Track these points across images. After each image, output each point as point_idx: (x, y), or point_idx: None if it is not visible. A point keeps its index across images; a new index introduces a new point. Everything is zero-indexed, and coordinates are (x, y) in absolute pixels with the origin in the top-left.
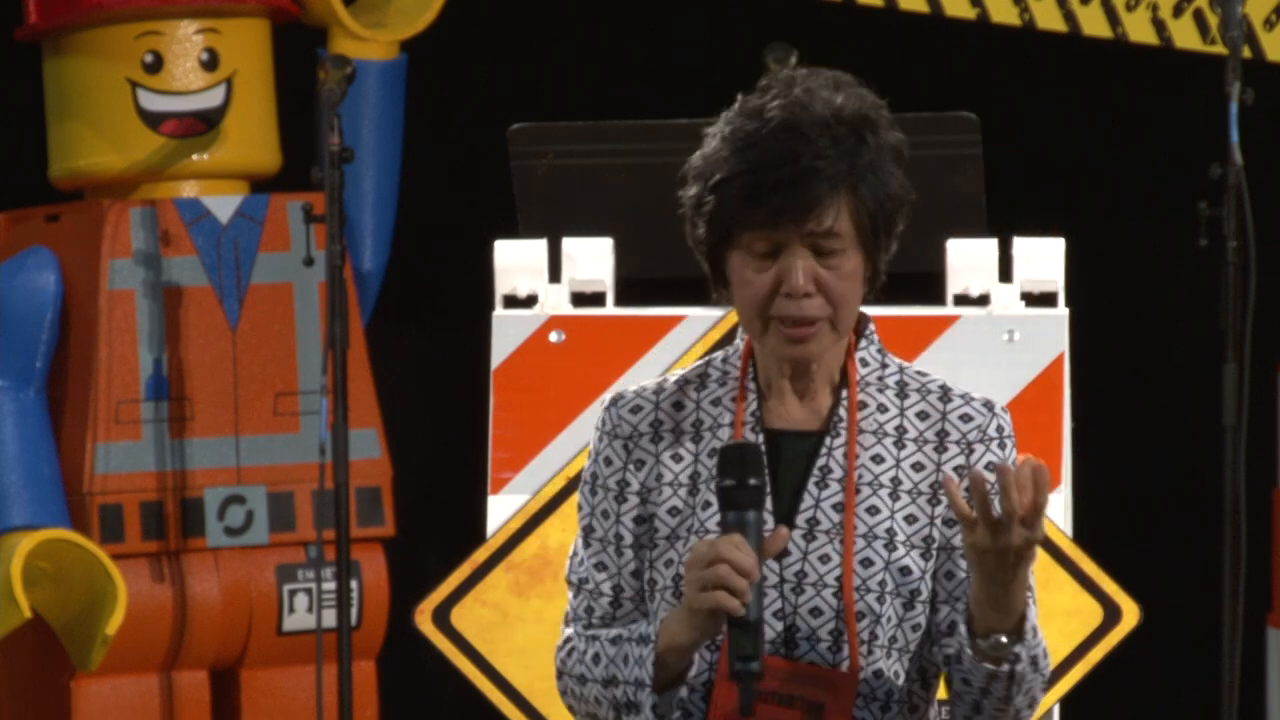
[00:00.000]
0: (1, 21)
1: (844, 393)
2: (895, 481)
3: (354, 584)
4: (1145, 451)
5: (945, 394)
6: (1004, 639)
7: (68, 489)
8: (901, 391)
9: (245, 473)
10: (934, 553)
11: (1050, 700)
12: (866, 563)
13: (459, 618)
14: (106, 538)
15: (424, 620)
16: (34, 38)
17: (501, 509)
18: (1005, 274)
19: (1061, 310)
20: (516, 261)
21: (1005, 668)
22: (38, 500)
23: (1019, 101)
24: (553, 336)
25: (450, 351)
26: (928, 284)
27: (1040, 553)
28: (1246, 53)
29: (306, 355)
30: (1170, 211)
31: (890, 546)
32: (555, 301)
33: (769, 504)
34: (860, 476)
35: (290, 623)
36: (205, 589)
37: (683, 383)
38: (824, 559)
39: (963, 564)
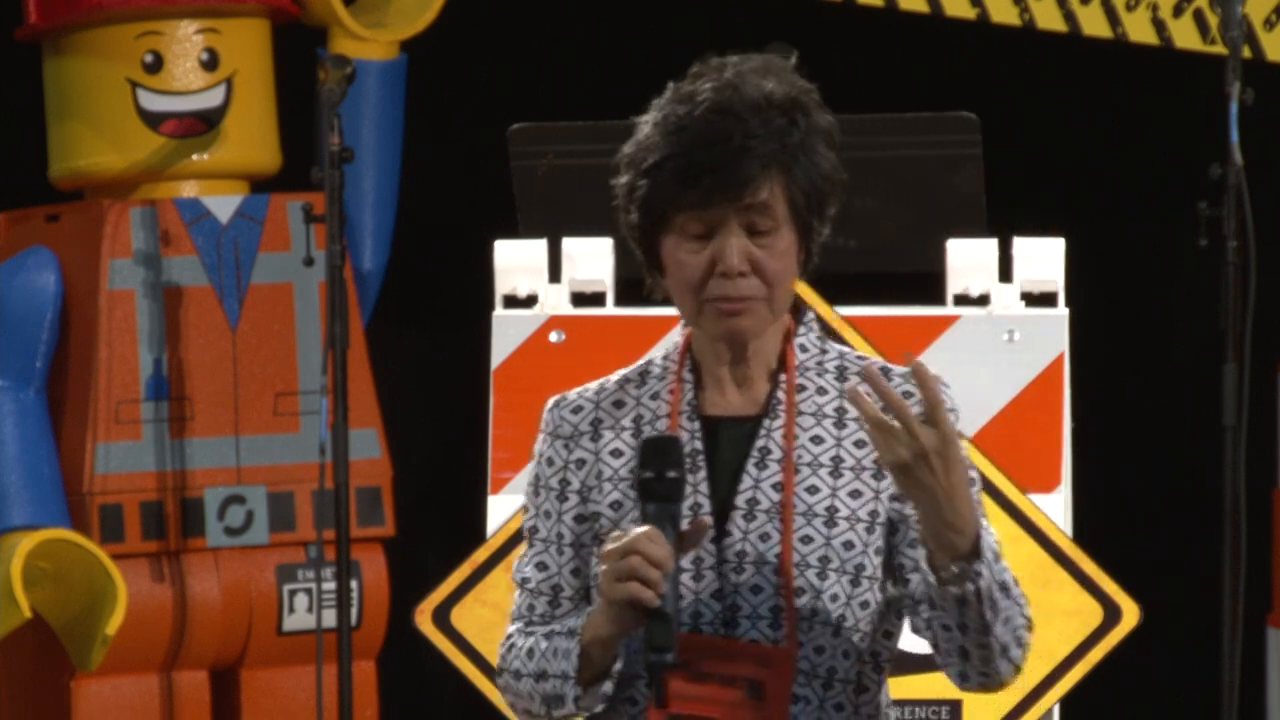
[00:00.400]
0: (1, 21)
1: (782, 377)
2: (836, 460)
3: (354, 584)
4: (1145, 451)
5: (885, 373)
6: (964, 562)
7: (68, 489)
8: (841, 375)
9: (245, 473)
10: (879, 527)
11: (1050, 700)
12: (806, 539)
13: (459, 618)
14: (106, 538)
15: (424, 620)
16: (34, 38)
17: (501, 509)
18: (1005, 274)
19: (1061, 310)
20: (516, 261)
21: (970, 587)
22: (38, 500)
23: (1019, 101)
24: (553, 336)
25: (450, 351)
26: (928, 284)
27: (1040, 552)
28: (1246, 53)
29: (306, 355)
30: (1170, 211)
31: (830, 523)
32: (555, 301)
33: (705, 488)
34: (799, 457)
35: (290, 623)
36: (205, 589)
37: (623, 381)
38: (764, 537)
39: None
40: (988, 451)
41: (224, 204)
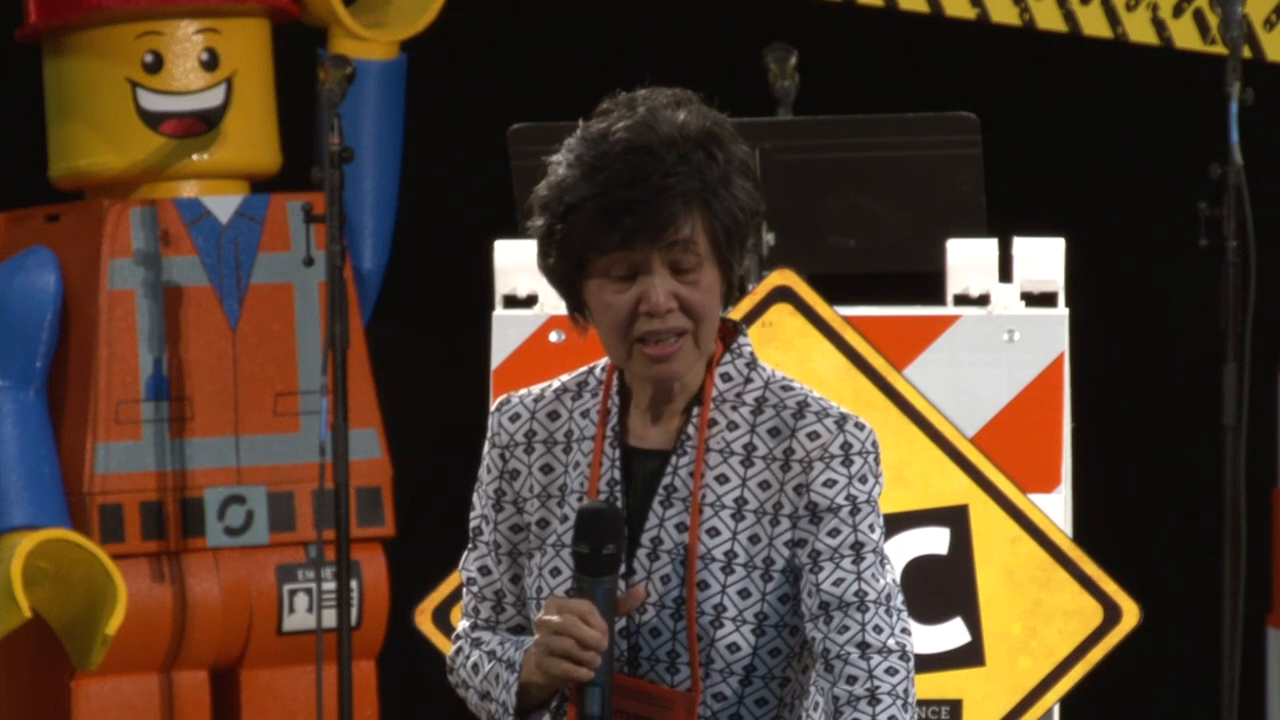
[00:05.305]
0: (1, 21)
1: (695, 411)
2: (740, 501)
3: (354, 584)
4: (1145, 451)
5: (800, 410)
6: None
7: (68, 489)
8: (758, 408)
9: (245, 473)
10: (777, 574)
11: (1050, 700)
12: (702, 585)
13: (459, 618)
14: (106, 538)
15: (424, 620)
16: (34, 38)
17: None
18: (1005, 274)
19: (1061, 310)
20: (516, 261)
21: None
22: (38, 500)
23: (1019, 101)
24: (553, 336)
25: (450, 351)
26: (928, 284)
27: (1040, 552)
28: (1246, 53)
29: (306, 355)
30: (1170, 211)
31: (727, 570)
32: (555, 301)
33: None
34: (704, 497)
35: (290, 623)
36: (205, 589)
37: (561, 391)
38: (665, 579)
39: (813, 579)
40: (988, 451)
41: (224, 204)
